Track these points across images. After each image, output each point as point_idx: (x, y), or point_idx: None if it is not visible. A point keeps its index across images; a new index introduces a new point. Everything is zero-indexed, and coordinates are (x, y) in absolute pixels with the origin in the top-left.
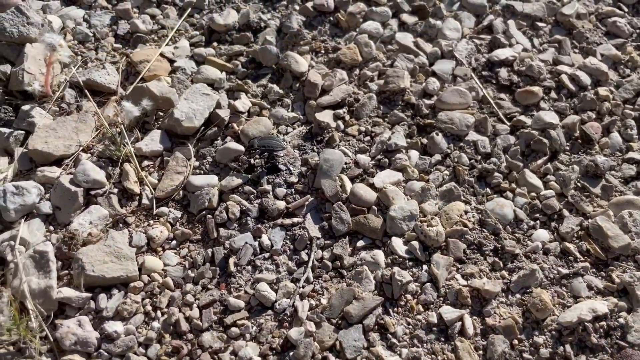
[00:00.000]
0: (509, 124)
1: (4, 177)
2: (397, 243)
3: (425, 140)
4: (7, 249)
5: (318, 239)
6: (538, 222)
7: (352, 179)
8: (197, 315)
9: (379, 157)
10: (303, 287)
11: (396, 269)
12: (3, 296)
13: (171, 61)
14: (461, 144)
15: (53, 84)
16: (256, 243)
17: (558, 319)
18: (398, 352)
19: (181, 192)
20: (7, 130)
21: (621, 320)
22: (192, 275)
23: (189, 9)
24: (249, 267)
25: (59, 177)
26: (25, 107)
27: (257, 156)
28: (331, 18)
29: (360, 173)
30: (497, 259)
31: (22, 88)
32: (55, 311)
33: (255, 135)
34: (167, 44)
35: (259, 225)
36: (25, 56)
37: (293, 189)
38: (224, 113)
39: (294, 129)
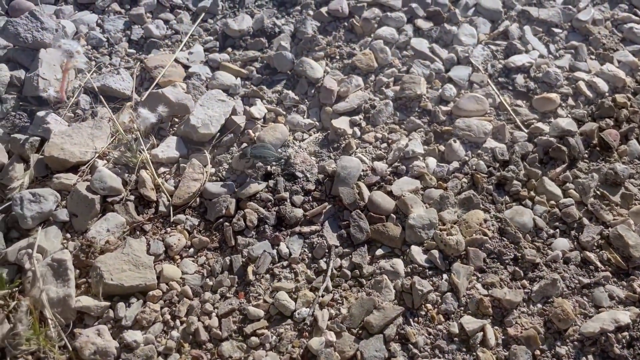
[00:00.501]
0: (526, 131)
1: (21, 184)
2: (417, 252)
3: (442, 147)
4: (24, 257)
5: (336, 247)
6: (558, 230)
7: (370, 187)
8: (217, 325)
9: (396, 164)
10: (322, 296)
11: (416, 278)
12: (22, 305)
13: (185, 67)
14: (479, 151)
15: (68, 89)
16: (274, 251)
17: (580, 329)
18: None
19: (198, 200)
20: (22, 137)
21: None
22: (211, 283)
23: (203, 14)
24: (268, 276)
25: (75, 184)
26: (41, 114)
27: (250, 164)
28: (345, 23)
29: (378, 180)
30: (517, 268)
31: (36, 94)
32: (74, 320)
33: (271, 142)
34: (181, 50)
35: (277, 233)
36: (39, 62)
37: (310, 197)
38: (240, 119)
39: (309, 135)
